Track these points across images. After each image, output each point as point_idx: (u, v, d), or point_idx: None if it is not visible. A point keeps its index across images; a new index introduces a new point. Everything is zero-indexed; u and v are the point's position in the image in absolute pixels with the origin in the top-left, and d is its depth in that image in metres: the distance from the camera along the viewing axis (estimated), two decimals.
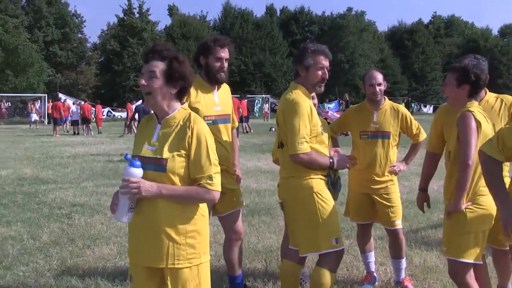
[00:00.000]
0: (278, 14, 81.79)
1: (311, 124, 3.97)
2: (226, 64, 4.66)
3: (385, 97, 5.17)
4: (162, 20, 75.36)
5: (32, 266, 6.09)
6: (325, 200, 3.99)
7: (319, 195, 3.97)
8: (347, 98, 44.68)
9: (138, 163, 3.01)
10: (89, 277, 5.65)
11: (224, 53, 4.60)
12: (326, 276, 3.99)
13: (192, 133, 3.03)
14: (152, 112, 3.23)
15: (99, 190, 11.08)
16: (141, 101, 34.09)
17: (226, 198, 4.54)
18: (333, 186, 4.28)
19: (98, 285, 5.43)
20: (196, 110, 4.31)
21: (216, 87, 4.73)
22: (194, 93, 4.51)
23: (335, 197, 4.28)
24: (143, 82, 3.09)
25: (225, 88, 4.88)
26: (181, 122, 3.10)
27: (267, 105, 51.06)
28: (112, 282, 5.49)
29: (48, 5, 65.70)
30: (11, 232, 7.63)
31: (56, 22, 66.18)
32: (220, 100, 4.73)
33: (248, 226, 7.76)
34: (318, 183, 4.02)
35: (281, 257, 5.57)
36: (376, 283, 5.37)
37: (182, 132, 3.06)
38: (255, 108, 52.27)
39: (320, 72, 4.08)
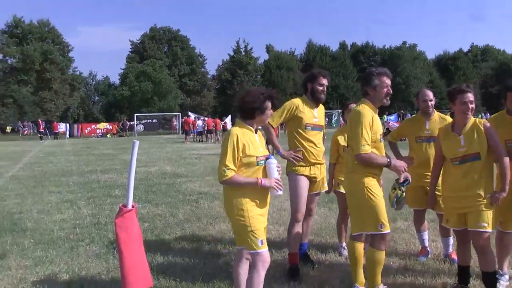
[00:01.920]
0: (349, 48, 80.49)
1: (371, 132, 3.87)
2: (325, 89, 4.87)
3: (434, 109, 5.07)
4: (261, 55, 75.83)
5: (173, 236, 6.29)
6: (374, 194, 3.87)
7: (369, 189, 3.87)
8: (402, 112, 43.96)
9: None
10: (212, 244, 5.81)
11: (325, 81, 4.81)
12: (376, 254, 3.93)
13: None
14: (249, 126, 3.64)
15: (217, 182, 11.13)
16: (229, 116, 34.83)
17: (314, 183, 4.86)
18: (397, 202, 4.22)
19: (218, 250, 5.57)
20: (300, 118, 4.72)
21: (316, 105, 4.88)
22: (301, 106, 4.77)
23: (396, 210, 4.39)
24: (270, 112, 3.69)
25: (321, 107, 5.00)
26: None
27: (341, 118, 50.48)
28: (229, 248, 5.60)
29: (181, 50, 67.90)
30: (158, 211, 7.91)
31: (187, 61, 68.20)
32: (318, 114, 4.88)
33: (329, 210, 7.61)
34: (370, 179, 3.91)
35: (338, 234, 5.59)
36: (429, 255, 5.20)
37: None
38: (333, 120, 51.73)
39: (385, 89, 3.98)
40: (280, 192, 3.62)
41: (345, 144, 5.21)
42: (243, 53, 68.05)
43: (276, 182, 3.57)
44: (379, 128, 3.99)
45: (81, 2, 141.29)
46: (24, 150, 26.81)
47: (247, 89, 3.92)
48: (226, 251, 5.55)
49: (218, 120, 33.49)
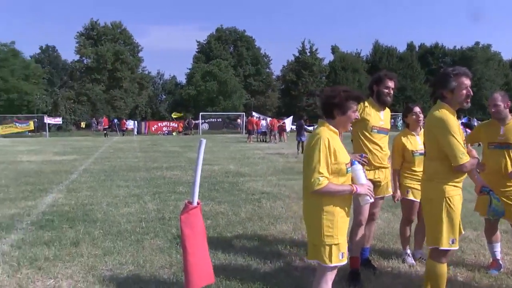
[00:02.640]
0: (417, 49, 77.83)
1: (460, 138, 3.58)
2: (392, 92, 4.74)
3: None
4: (327, 56, 75.30)
5: (234, 234, 6.36)
6: (452, 206, 3.58)
7: (448, 200, 3.58)
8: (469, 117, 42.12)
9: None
10: (273, 245, 5.82)
11: (391, 84, 4.69)
12: (438, 266, 3.67)
13: None
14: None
15: (280, 183, 11.25)
16: (291, 117, 34.56)
17: (378, 187, 4.73)
18: (493, 211, 4.05)
19: (278, 251, 5.56)
20: (366, 121, 4.62)
21: (383, 107, 4.78)
22: (367, 109, 4.67)
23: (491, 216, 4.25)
24: (356, 115, 3.44)
25: (388, 110, 4.89)
26: None
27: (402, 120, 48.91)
28: (289, 249, 5.59)
29: (247, 50, 68.50)
30: (221, 209, 8.03)
31: (252, 61, 68.69)
32: (384, 117, 4.78)
33: (392, 215, 7.43)
34: (451, 189, 3.61)
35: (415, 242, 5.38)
36: (502, 269, 4.87)
37: None
38: (398, 123, 50.27)
39: (464, 91, 3.65)
40: (372, 199, 3.41)
41: (414, 149, 5.04)
42: (308, 54, 67.64)
43: (367, 188, 3.35)
44: (462, 133, 3.68)
45: (151, 4, 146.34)
46: (95, 145, 28.12)
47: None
48: (287, 251, 5.54)
49: (275, 121, 33.50)
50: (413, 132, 5.17)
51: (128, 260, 5.21)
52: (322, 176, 3.14)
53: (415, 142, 5.09)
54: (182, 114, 53.01)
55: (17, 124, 44.76)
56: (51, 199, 9.15)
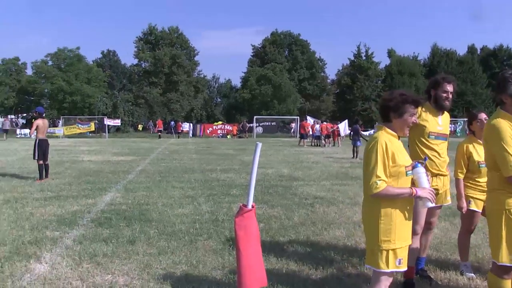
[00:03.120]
0: (479, 52, 74.75)
1: None
2: (450, 96, 4.56)
3: None
4: (383, 60, 74.01)
5: (287, 238, 6.33)
6: None
7: (508, 212, 3.36)
8: None
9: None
10: (326, 250, 5.74)
11: (450, 87, 4.51)
12: (499, 282, 3.46)
13: None
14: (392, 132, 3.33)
15: (334, 188, 11.11)
16: (345, 121, 33.92)
17: (436, 195, 4.33)
18: None
19: (331, 257, 5.48)
20: (423, 127, 4.47)
21: (441, 112, 4.61)
22: (424, 114, 4.52)
23: None
24: (414, 119, 3.34)
25: (447, 115, 4.70)
26: None
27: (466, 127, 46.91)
28: (343, 256, 5.50)
29: (301, 54, 68.42)
30: (274, 213, 8.03)
31: (306, 65, 68.52)
32: (442, 122, 4.60)
33: (450, 224, 7.16)
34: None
35: None
36: None
37: None
38: (457, 129, 48.45)
39: None
40: (433, 204, 3.31)
41: (480, 160, 4.76)
42: (364, 58, 66.69)
43: (429, 192, 3.26)
44: None
45: (207, 9, 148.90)
46: (152, 147, 28.88)
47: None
48: (340, 258, 5.46)
49: (324, 125, 33.18)
50: (479, 140, 4.81)
51: (182, 260, 5.31)
52: (380, 180, 3.11)
53: (482, 151, 4.80)
54: (221, 123, 53.38)
55: (79, 125, 46.75)
56: (110, 198, 9.49)
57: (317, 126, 34.04)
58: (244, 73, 67.16)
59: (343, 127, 32.70)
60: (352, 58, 67.98)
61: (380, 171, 3.12)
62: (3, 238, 6.27)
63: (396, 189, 3.17)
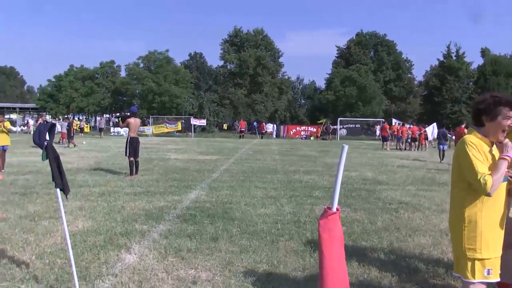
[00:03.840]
0: None
1: None
2: None
3: None
4: (475, 60, 69.71)
5: (369, 243, 6.17)
6: None
7: None
8: None
9: None
10: (409, 258, 5.53)
11: None
12: None
13: None
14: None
15: (419, 193, 10.70)
16: (433, 125, 32.24)
17: None
18: None
19: (415, 265, 5.26)
20: None
21: None
22: None
23: None
24: (509, 123, 3.09)
25: None
26: None
27: None
28: (428, 265, 5.26)
29: (387, 55, 66.51)
30: (357, 216, 7.88)
31: (393, 66, 66.53)
32: None
33: None
34: None
35: None
36: None
37: None
38: None
39: None
40: None
41: None
42: (454, 58, 63.46)
43: None
44: None
45: (292, 11, 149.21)
46: (236, 147, 29.46)
47: None
48: (424, 267, 5.22)
49: (404, 128, 31.90)
50: None
51: (263, 260, 5.36)
52: (485, 175, 2.95)
53: None
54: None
55: (167, 124, 48.79)
56: (195, 195, 9.80)
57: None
58: (329, 74, 66.59)
59: (431, 131, 31.33)
60: (441, 58, 65.01)
61: (480, 167, 2.98)
62: (98, 228, 6.72)
63: (497, 171, 2.99)
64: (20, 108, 76.24)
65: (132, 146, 12.90)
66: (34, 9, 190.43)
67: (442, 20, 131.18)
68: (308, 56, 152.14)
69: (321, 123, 51.27)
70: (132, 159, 12.88)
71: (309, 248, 5.79)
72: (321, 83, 76.15)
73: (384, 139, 31.44)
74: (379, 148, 30.67)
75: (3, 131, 13.62)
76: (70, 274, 4.50)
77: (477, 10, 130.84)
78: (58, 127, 27.94)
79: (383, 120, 47.87)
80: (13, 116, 62.92)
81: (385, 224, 7.36)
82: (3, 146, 13.64)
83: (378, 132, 46.11)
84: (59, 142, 27.84)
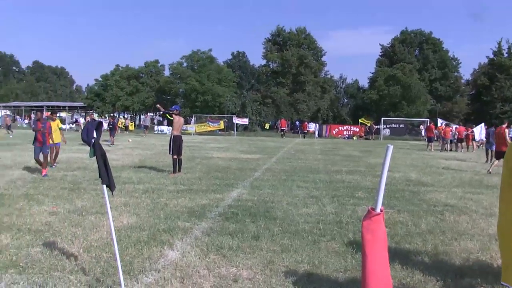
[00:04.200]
0: None
1: None
2: None
3: None
4: None
5: (413, 246, 6.04)
6: None
7: None
8: None
9: None
10: (454, 262, 5.40)
11: None
12: None
13: None
14: None
15: (466, 196, 10.36)
16: (481, 125, 31.05)
17: None
18: None
19: (461, 270, 5.10)
20: None
21: None
22: None
23: None
24: None
25: None
26: None
27: None
28: (473, 271, 5.08)
29: (433, 53, 64.81)
30: (400, 218, 7.73)
31: (438, 65, 64.75)
32: None
33: None
34: None
35: None
36: None
37: None
38: None
39: None
40: None
41: None
42: (506, 55, 61.08)
43: None
44: None
45: (335, 9, 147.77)
46: (278, 146, 29.45)
47: None
48: (471, 272, 5.05)
49: (448, 129, 30.92)
50: None
51: (304, 259, 5.34)
52: None
53: None
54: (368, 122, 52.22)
55: (210, 123, 49.32)
56: (236, 194, 9.86)
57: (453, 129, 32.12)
58: (372, 73, 65.54)
59: (478, 131, 30.27)
60: (491, 56, 62.73)
61: None
62: (142, 224, 6.87)
63: None
64: (69, 107, 79.06)
65: (176, 144, 13.08)
66: (82, 12, 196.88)
67: (492, 16, 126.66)
68: (351, 54, 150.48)
69: (363, 123, 50.54)
70: (175, 157, 13.07)
71: (351, 249, 5.72)
72: (364, 82, 74.96)
73: (430, 139, 30.61)
74: (423, 149, 29.93)
75: (55, 129, 14.26)
76: (115, 268, 4.62)
77: None
78: (105, 126, 29.20)
79: (428, 120, 46.70)
80: (63, 114, 65.34)
81: (429, 227, 7.17)
82: (56, 143, 14.26)
83: (423, 132, 45.03)
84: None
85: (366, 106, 61.81)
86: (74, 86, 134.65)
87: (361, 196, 9.87)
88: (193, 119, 52.36)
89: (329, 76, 68.76)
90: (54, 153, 14.35)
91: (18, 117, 69.24)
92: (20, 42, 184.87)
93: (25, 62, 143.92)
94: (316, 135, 48.56)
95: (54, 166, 13.90)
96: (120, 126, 47.26)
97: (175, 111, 13.49)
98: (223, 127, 49.52)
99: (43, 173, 12.03)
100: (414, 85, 56.41)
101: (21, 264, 5.01)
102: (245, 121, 51.16)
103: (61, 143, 14.79)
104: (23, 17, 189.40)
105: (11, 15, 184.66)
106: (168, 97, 64.62)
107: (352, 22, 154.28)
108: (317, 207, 8.54)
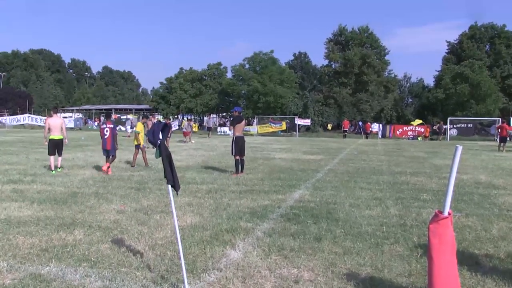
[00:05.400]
0: None
1: None
2: None
3: None
4: None
5: (483, 252, 5.77)
6: None
7: None
8: None
9: None
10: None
11: None
12: None
13: None
14: None
15: None
16: None
17: None
18: None
19: None
20: None
21: None
22: None
23: None
24: None
25: None
26: None
27: None
28: None
29: (506, 48, 61.37)
30: (468, 222, 7.39)
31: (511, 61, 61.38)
32: None
33: None
34: None
35: None
36: None
37: None
38: None
39: None
40: None
41: None
42: None
43: None
44: None
45: (398, 7, 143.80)
46: (340, 147, 29.07)
47: None
48: None
49: (506, 126, 29.13)
50: None
51: (367, 263, 5.22)
52: None
53: None
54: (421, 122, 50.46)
55: (272, 124, 49.52)
56: (299, 195, 9.82)
57: None
58: (438, 71, 63.18)
59: None
60: None
61: None
62: (205, 223, 6.99)
63: None
64: (136, 109, 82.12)
65: (238, 145, 13.21)
66: (148, 19, 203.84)
67: None
68: (416, 53, 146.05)
69: (418, 124, 48.87)
70: (237, 157, 13.21)
71: (415, 254, 5.53)
72: (429, 81, 72.44)
73: (502, 139, 29.04)
74: (494, 150, 28.46)
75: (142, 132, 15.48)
76: (179, 266, 4.72)
77: None
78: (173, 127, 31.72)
79: (500, 119, 44.38)
80: (130, 116, 67.82)
81: (502, 233, 6.79)
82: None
83: (494, 132, 42.84)
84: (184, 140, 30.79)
85: (432, 105, 59.63)
86: (140, 89, 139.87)
87: (426, 199, 9.54)
88: (255, 120, 52.73)
89: (392, 75, 66.95)
90: (138, 154, 15.27)
91: (89, 120, 72.68)
92: (91, 49, 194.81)
93: (95, 68, 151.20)
94: (379, 136, 47.48)
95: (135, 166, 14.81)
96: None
97: (235, 112, 13.71)
98: (285, 128, 49.53)
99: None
100: (484, 83, 53.75)
101: (92, 258, 5.26)
102: (307, 122, 50.91)
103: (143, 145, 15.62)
104: (94, 24, 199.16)
105: (84, 24, 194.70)
106: (231, 99, 65.52)
107: (417, 19, 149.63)
108: (380, 209, 8.34)
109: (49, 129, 13.53)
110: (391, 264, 5.19)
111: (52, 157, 13.27)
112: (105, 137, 13.43)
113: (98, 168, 14.04)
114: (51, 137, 13.44)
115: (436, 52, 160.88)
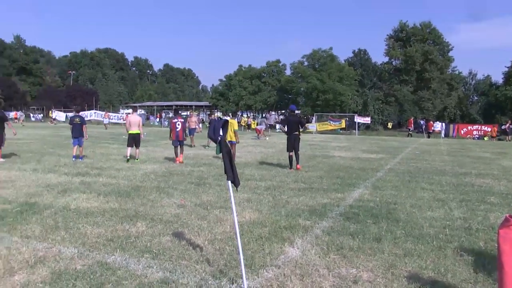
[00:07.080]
0: None
1: None
2: None
3: None
4: None
5: None
6: None
7: None
8: None
9: None
10: None
11: None
12: None
13: None
14: None
15: None
16: None
17: None
18: None
19: None
20: None
21: None
22: None
23: None
24: None
25: None
26: None
27: None
28: None
29: None
30: None
31: None
32: None
33: None
34: None
35: None
36: None
37: None
38: None
39: None
40: None
41: None
42: None
43: None
44: None
45: (462, 1, 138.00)
46: (401, 146, 28.28)
47: None
48: None
49: None
50: None
51: (429, 266, 5.05)
52: None
53: None
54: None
55: (331, 122, 48.94)
56: (358, 194, 9.65)
57: None
58: (508, 67, 60.07)
59: None
60: None
61: None
62: (264, 220, 7.02)
63: None
64: (196, 106, 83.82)
65: (290, 142, 13.59)
66: (207, 18, 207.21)
67: None
68: (482, 48, 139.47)
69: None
70: (291, 154, 13.55)
71: (482, 259, 5.29)
72: (497, 78, 68.95)
73: None
74: None
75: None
76: (237, 261, 4.77)
77: None
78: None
79: None
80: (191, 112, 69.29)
81: None
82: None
83: None
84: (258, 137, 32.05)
85: (500, 103, 56.81)
86: (200, 86, 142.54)
87: (494, 202, 9.09)
88: (314, 118, 52.34)
89: (456, 72, 64.35)
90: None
91: (151, 116, 74.91)
92: (153, 47, 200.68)
93: (157, 65, 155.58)
94: (442, 135, 45.76)
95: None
96: (243, 124, 48.83)
97: (289, 110, 13.94)
98: (344, 126, 48.81)
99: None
100: None
101: (154, 250, 5.43)
102: (367, 120, 49.93)
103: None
104: (155, 24, 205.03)
105: (146, 23, 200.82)
106: (290, 96, 65.39)
107: (483, 13, 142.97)
108: (443, 211, 8.04)
109: (129, 124, 15.35)
110: (455, 268, 5.00)
111: (129, 148, 15.12)
112: (177, 129, 15.20)
113: (159, 162, 14.46)
114: (130, 132, 15.27)
115: (505, 47, 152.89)
